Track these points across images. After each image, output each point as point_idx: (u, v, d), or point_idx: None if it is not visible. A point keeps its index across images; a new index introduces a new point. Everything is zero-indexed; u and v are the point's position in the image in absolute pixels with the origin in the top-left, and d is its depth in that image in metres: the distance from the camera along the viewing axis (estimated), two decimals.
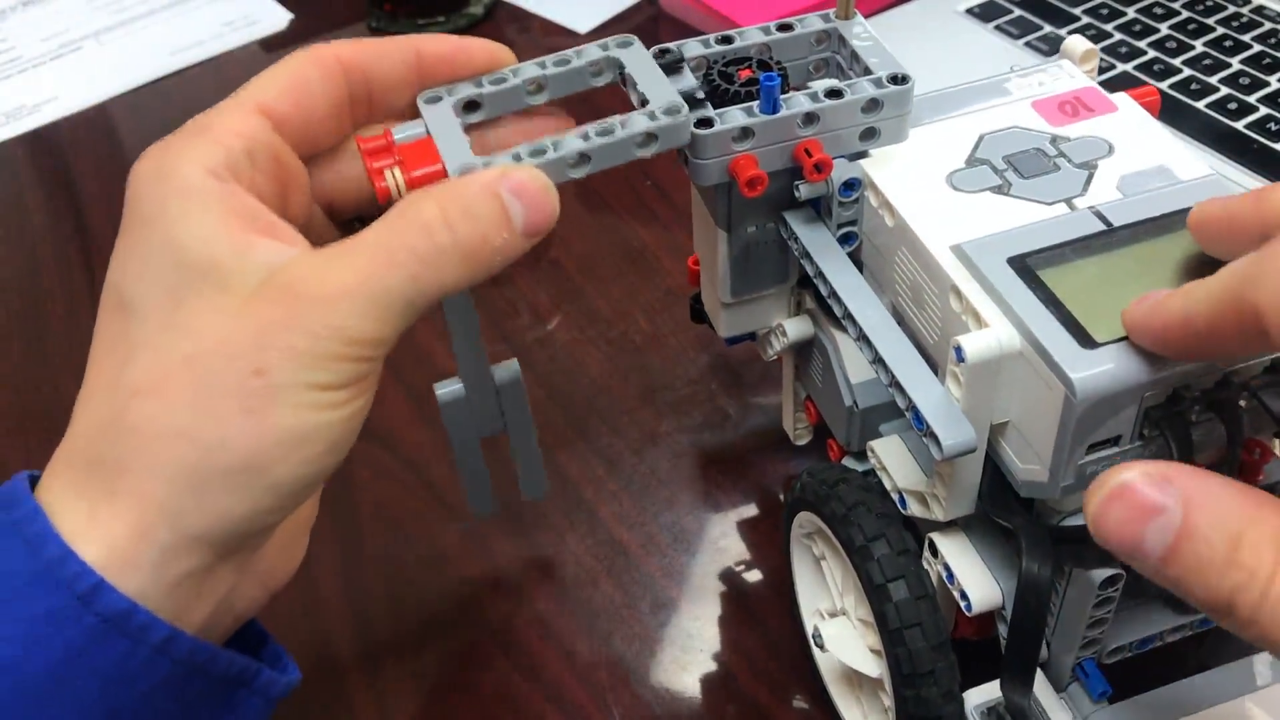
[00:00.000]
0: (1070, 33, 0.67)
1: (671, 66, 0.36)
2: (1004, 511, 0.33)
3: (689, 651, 0.44)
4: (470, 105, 0.35)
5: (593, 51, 0.36)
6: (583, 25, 0.75)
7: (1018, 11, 0.69)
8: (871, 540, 0.35)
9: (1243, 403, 0.30)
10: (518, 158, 0.33)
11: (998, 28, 0.68)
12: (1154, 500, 0.25)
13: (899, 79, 0.35)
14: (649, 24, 0.74)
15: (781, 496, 0.49)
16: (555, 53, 0.36)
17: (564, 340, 0.56)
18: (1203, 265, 0.30)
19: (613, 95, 0.37)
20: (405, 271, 0.29)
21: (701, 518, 0.48)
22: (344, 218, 0.36)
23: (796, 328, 0.42)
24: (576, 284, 0.58)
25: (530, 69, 0.36)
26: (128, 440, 0.29)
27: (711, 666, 0.44)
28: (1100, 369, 0.29)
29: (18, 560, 0.28)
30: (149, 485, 0.28)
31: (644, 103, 0.35)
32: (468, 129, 0.35)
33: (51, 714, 0.28)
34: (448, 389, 0.40)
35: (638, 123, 0.34)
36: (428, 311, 0.31)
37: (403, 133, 0.35)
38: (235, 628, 0.33)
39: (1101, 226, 0.33)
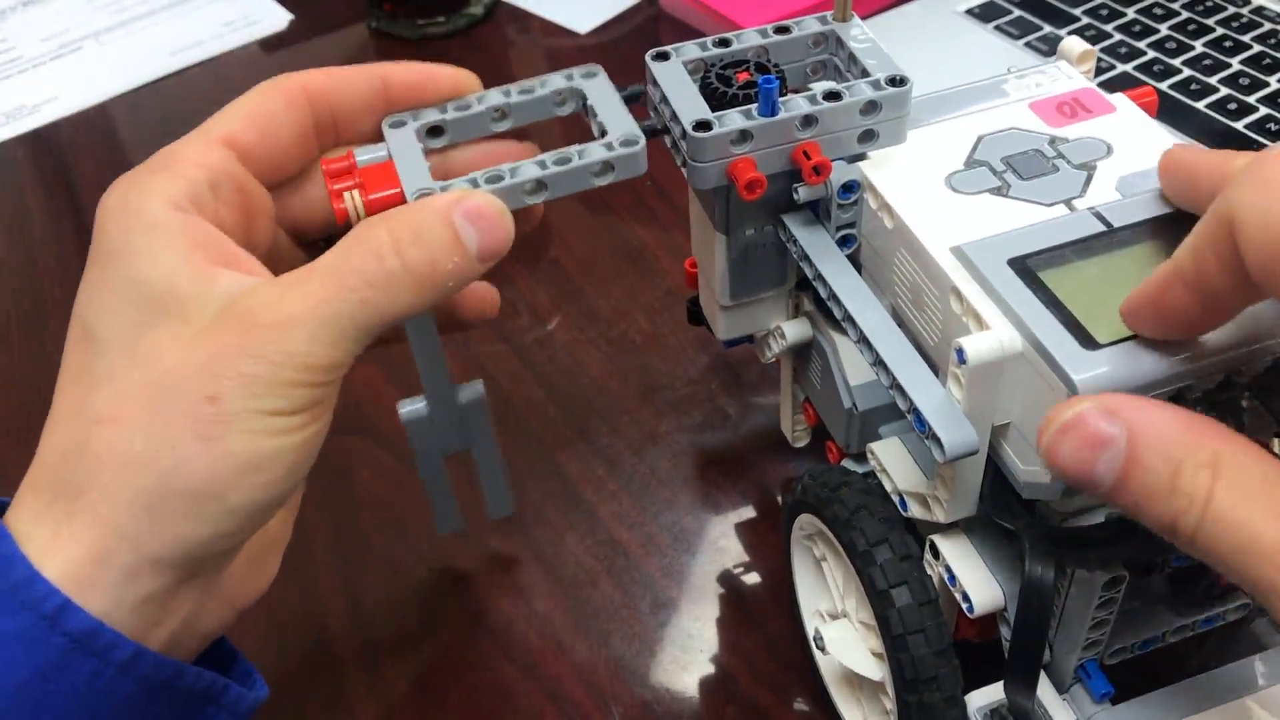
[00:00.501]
0: (1070, 33, 0.67)
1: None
2: (1006, 513, 0.33)
3: (689, 652, 0.44)
4: (434, 130, 0.36)
5: (557, 81, 0.37)
6: (583, 25, 0.75)
7: (1017, 12, 0.69)
8: (874, 545, 0.35)
9: (1244, 403, 0.30)
10: (475, 183, 0.34)
11: (998, 28, 0.68)
12: (1103, 432, 0.26)
13: (897, 81, 0.35)
14: (649, 24, 0.74)
15: (780, 499, 0.49)
16: (519, 81, 0.37)
17: (564, 340, 0.56)
18: None
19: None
20: (356, 296, 0.30)
21: (701, 518, 0.48)
22: (310, 240, 0.37)
23: (795, 330, 0.42)
24: (576, 284, 0.58)
25: (494, 96, 0.37)
26: (89, 466, 0.29)
27: (711, 667, 0.44)
28: (1102, 370, 0.29)
29: None
30: (109, 510, 0.29)
31: (603, 133, 0.35)
32: (429, 153, 0.35)
33: None
34: (411, 407, 0.41)
35: (595, 152, 0.34)
36: (384, 334, 0.31)
37: (365, 155, 0.36)
38: (202, 647, 0.33)
39: (1101, 227, 0.33)
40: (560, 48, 0.74)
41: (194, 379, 0.29)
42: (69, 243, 0.63)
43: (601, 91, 0.37)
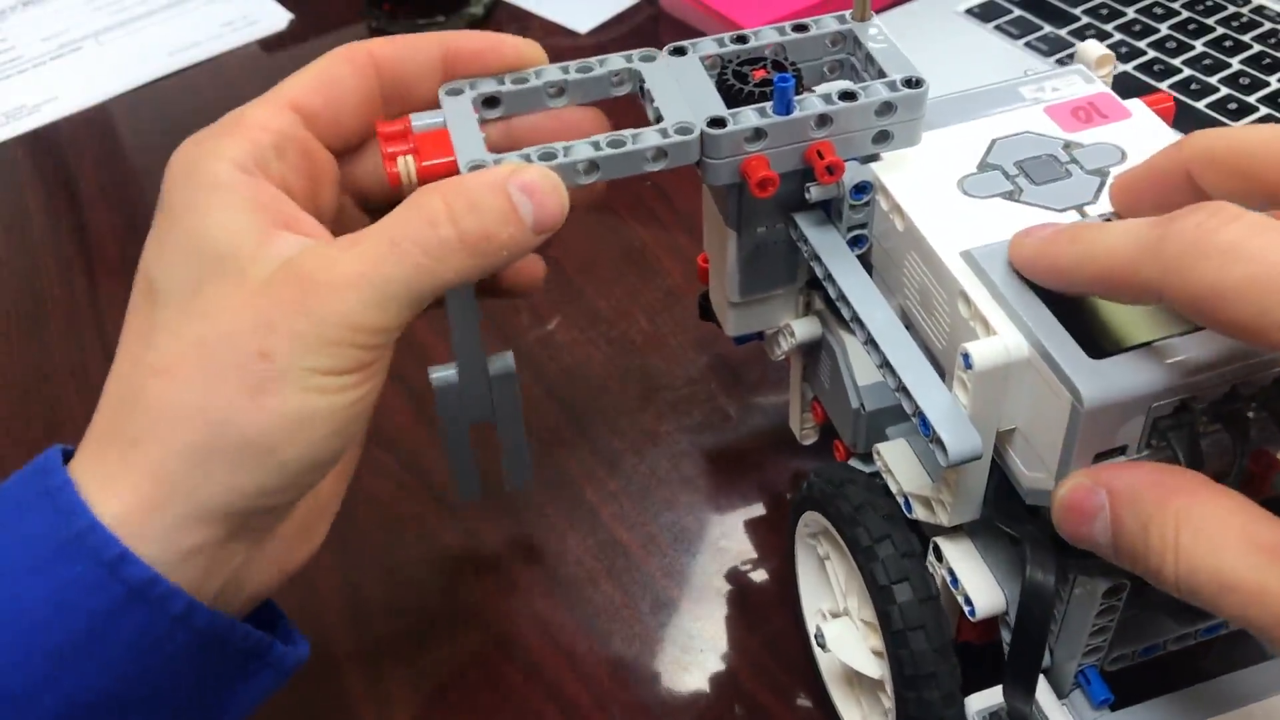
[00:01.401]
0: (1070, 33, 0.67)
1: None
2: (1009, 518, 0.33)
3: (689, 651, 0.44)
4: (490, 101, 0.36)
5: (616, 61, 0.37)
6: (582, 25, 0.75)
7: (1017, 12, 0.69)
8: (877, 541, 0.35)
9: (1251, 414, 0.30)
10: (528, 159, 0.34)
11: (998, 28, 0.68)
12: (1089, 503, 0.29)
13: (913, 82, 0.35)
14: (649, 24, 0.74)
15: (788, 496, 0.49)
16: (579, 59, 0.37)
17: (564, 340, 0.56)
18: None
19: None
20: (410, 261, 0.30)
21: (702, 518, 0.48)
22: (375, 207, 0.37)
23: (804, 329, 0.42)
24: (576, 284, 0.58)
25: (553, 72, 0.37)
26: (143, 417, 0.30)
27: (712, 667, 0.44)
28: (1108, 379, 0.29)
29: (50, 527, 0.29)
30: (161, 459, 0.30)
31: (659, 118, 0.35)
32: (485, 123, 0.35)
33: (76, 676, 0.29)
34: (442, 374, 0.41)
35: (649, 138, 0.34)
36: (433, 300, 0.32)
37: (421, 121, 0.36)
38: (249, 608, 0.34)
39: None
40: (560, 48, 0.74)
41: (247, 334, 0.30)
42: (69, 243, 0.63)
43: (660, 76, 0.37)
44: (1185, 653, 0.36)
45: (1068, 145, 0.36)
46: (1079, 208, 0.34)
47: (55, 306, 0.60)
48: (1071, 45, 0.66)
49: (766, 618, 0.45)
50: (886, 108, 0.35)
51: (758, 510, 0.49)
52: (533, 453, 0.45)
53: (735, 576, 0.46)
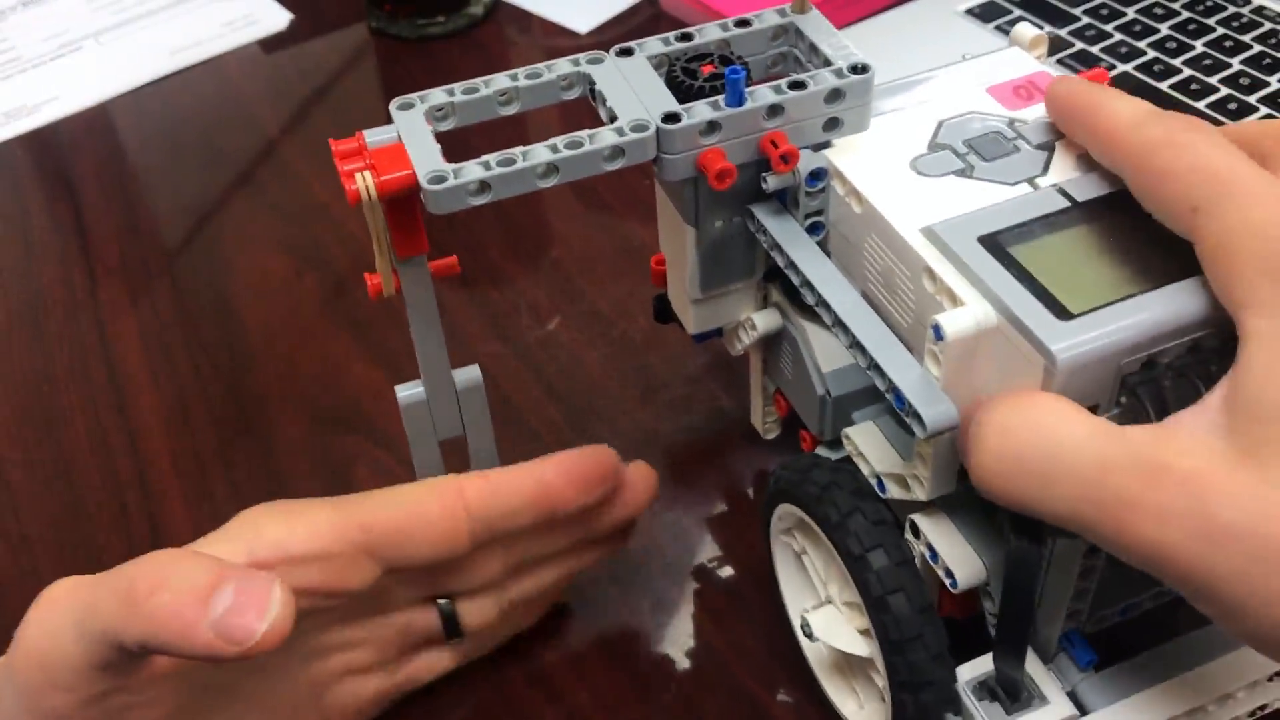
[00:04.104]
0: (1070, 33, 0.67)
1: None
2: None
3: (689, 651, 0.44)
4: (441, 113, 0.37)
5: (564, 66, 0.37)
6: (582, 25, 0.75)
7: (1017, 12, 0.69)
8: (847, 515, 0.35)
9: (1214, 368, 0.31)
10: (487, 166, 0.34)
11: (998, 28, 0.68)
12: (968, 411, 0.31)
13: (859, 68, 0.36)
14: (649, 24, 0.74)
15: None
16: (526, 66, 0.37)
17: (564, 340, 0.56)
18: (1167, 233, 0.31)
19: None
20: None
21: (702, 517, 0.48)
22: None
23: (765, 320, 0.42)
24: (576, 284, 0.58)
25: (501, 80, 0.37)
26: None
27: (712, 666, 0.44)
28: (1079, 339, 0.29)
29: None
30: None
31: (613, 118, 0.36)
32: (438, 136, 0.36)
33: None
34: (409, 391, 0.41)
35: (605, 137, 0.35)
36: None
37: (375, 136, 0.36)
38: None
39: (1066, 203, 0.33)
40: (560, 48, 0.74)
41: None
42: (69, 243, 0.63)
43: (609, 77, 0.37)
44: (1161, 609, 0.36)
45: (1012, 122, 0.37)
46: (1030, 180, 0.34)
47: (55, 306, 0.60)
48: (1072, 45, 0.66)
49: (766, 616, 0.45)
50: (835, 94, 0.35)
51: (758, 510, 0.49)
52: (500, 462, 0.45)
53: (735, 575, 0.46)
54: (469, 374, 0.42)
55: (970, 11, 0.69)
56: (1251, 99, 0.61)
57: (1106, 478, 0.27)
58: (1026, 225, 0.33)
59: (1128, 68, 0.64)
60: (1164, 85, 0.62)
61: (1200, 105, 0.61)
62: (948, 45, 0.67)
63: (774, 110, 0.35)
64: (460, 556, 0.39)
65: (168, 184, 0.66)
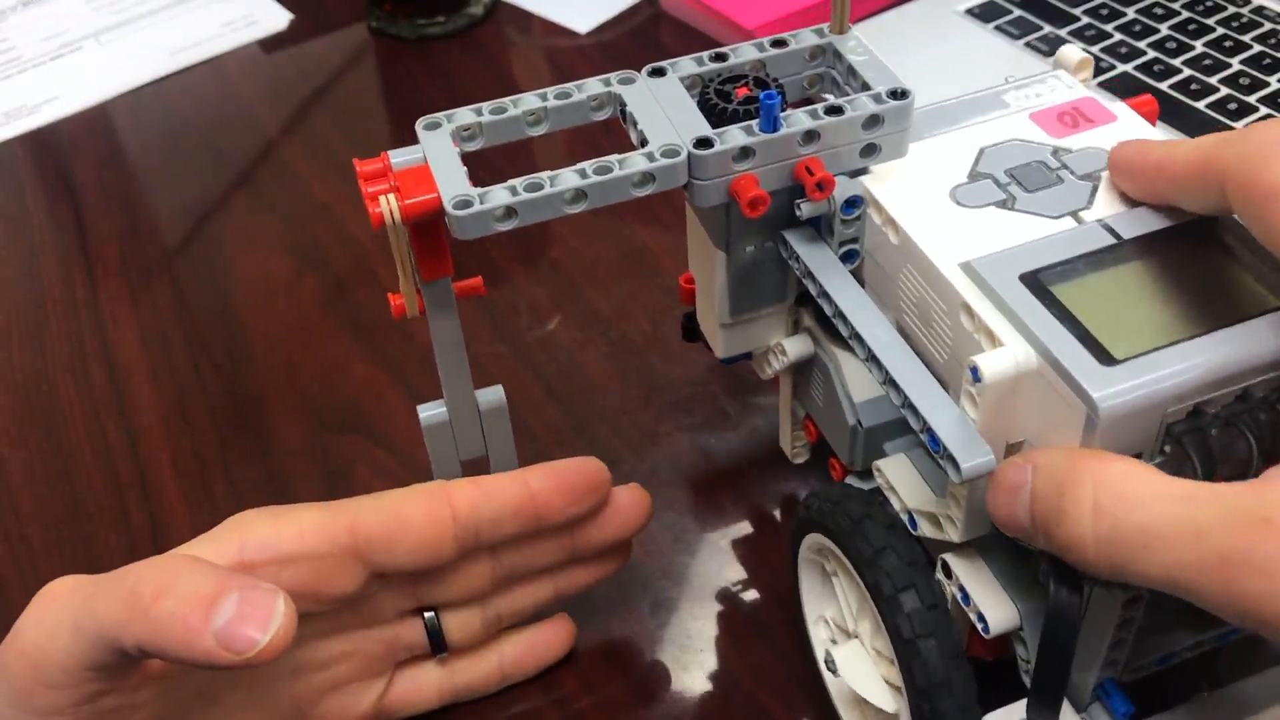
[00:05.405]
0: (1070, 33, 0.67)
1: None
2: None
3: (689, 652, 0.44)
4: (469, 133, 0.36)
5: (594, 86, 0.37)
6: (582, 25, 0.75)
7: (1017, 12, 0.69)
8: (879, 551, 0.34)
9: (1263, 416, 0.30)
10: (513, 191, 0.33)
11: (998, 28, 0.68)
12: (1014, 478, 0.29)
13: (899, 94, 0.35)
14: (649, 24, 0.74)
15: (777, 514, 0.49)
16: (555, 85, 0.37)
17: (564, 340, 0.56)
18: (1217, 274, 0.30)
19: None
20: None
21: (701, 518, 0.48)
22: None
23: (796, 347, 0.41)
24: (577, 284, 0.58)
25: (530, 100, 0.36)
26: None
27: (711, 667, 0.44)
28: (1122, 386, 0.28)
29: None
30: None
31: (643, 142, 0.35)
32: (465, 157, 0.35)
33: None
34: (431, 412, 0.41)
35: (636, 163, 0.34)
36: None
37: (400, 157, 0.35)
38: None
39: (1111, 240, 0.32)
40: (560, 48, 0.74)
41: None
42: (69, 243, 0.63)
43: (641, 98, 0.36)
44: (1200, 659, 0.36)
45: (1056, 151, 0.36)
46: (1074, 214, 0.33)
47: (55, 306, 0.60)
48: (1072, 45, 0.66)
49: (766, 618, 0.45)
50: (874, 121, 0.35)
51: (758, 510, 0.49)
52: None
53: (735, 577, 0.46)
54: (493, 394, 0.41)
55: (970, 11, 0.69)
56: (1251, 99, 0.61)
57: (1208, 538, 0.26)
58: (1070, 263, 0.32)
59: (1128, 68, 0.64)
60: (1164, 85, 0.62)
61: (1200, 105, 0.61)
62: (948, 45, 0.67)
63: (809, 136, 0.34)
64: (446, 564, 0.39)
65: (168, 184, 0.66)
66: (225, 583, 0.31)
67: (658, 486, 0.49)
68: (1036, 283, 0.31)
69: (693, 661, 0.44)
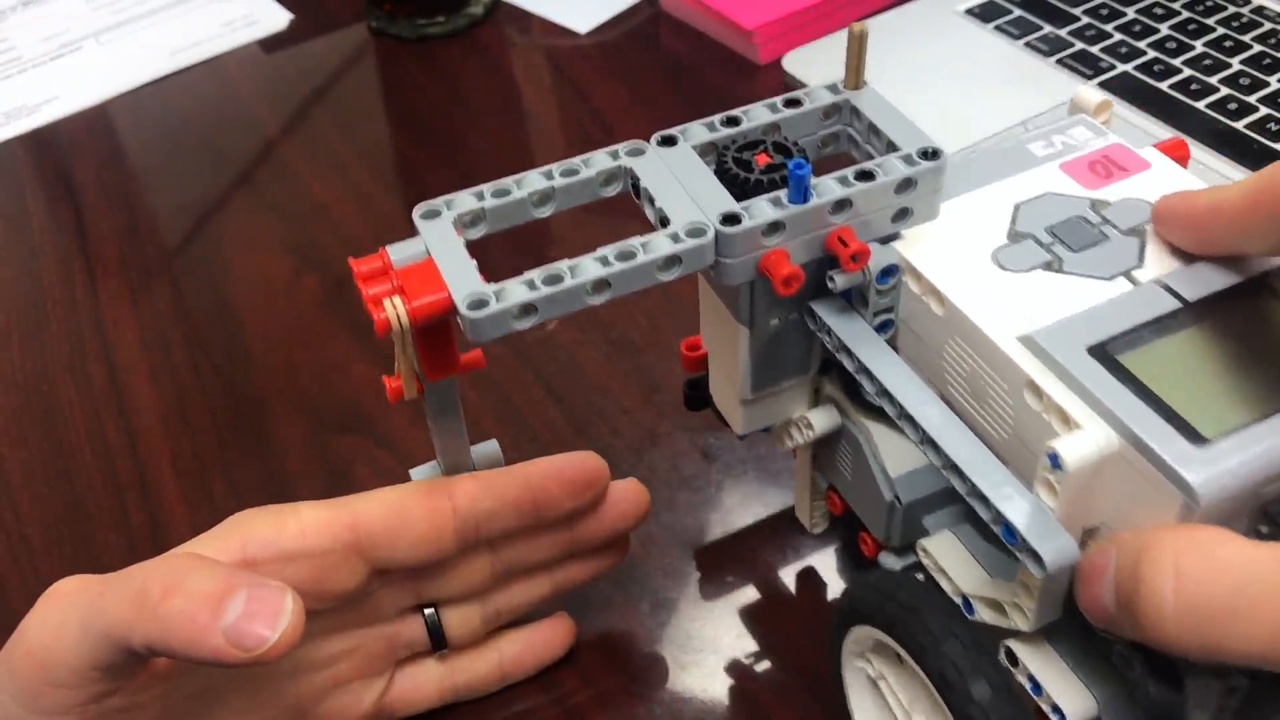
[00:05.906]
0: (1070, 33, 0.67)
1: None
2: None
3: (689, 652, 0.44)
4: (472, 220, 0.33)
5: (602, 160, 0.35)
6: (582, 25, 0.75)
7: (1018, 12, 0.69)
8: (941, 639, 0.31)
9: None
10: (531, 285, 0.31)
11: (998, 28, 0.68)
12: (1102, 562, 0.27)
13: (930, 153, 0.33)
14: (649, 24, 0.74)
15: (778, 515, 0.49)
16: (561, 161, 0.34)
17: (564, 340, 0.56)
18: None
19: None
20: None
21: (701, 519, 0.48)
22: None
23: (822, 420, 0.38)
24: None
25: (535, 179, 0.34)
26: None
27: (711, 667, 0.44)
28: (1219, 468, 0.26)
29: None
30: None
31: (664, 220, 0.33)
32: (471, 247, 0.33)
33: None
34: (425, 473, 0.40)
35: (660, 246, 0.32)
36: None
37: (400, 253, 0.32)
38: None
39: (1176, 303, 0.30)
40: (560, 47, 0.74)
41: None
42: (69, 243, 0.63)
43: (655, 171, 0.34)
44: None
45: (1095, 204, 0.34)
46: (1127, 274, 0.31)
47: (55, 306, 0.60)
48: (1072, 45, 0.66)
49: (767, 618, 0.45)
50: (906, 184, 0.33)
51: (758, 510, 0.49)
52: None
53: (735, 576, 0.46)
54: (487, 449, 0.40)
55: (970, 11, 0.69)
56: (1251, 99, 0.61)
57: None
58: (1136, 331, 0.29)
59: (1128, 68, 0.64)
60: (1164, 85, 0.62)
61: (1200, 105, 0.61)
62: (948, 45, 0.67)
63: (840, 205, 0.32)
64: (447, 558, 0.39)
65: (167, 184, 0.66)
66: (233, 581, 0.31)
67: (658, 486, 0.49)
68: (1106, 355, 0.29)
69: (692, 661, 0.44)
